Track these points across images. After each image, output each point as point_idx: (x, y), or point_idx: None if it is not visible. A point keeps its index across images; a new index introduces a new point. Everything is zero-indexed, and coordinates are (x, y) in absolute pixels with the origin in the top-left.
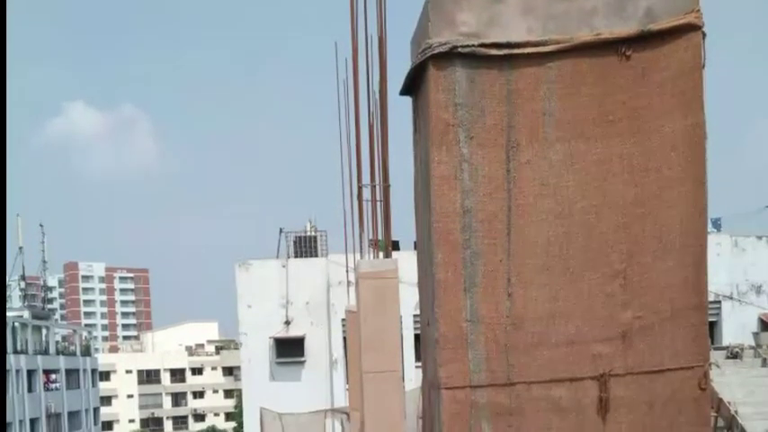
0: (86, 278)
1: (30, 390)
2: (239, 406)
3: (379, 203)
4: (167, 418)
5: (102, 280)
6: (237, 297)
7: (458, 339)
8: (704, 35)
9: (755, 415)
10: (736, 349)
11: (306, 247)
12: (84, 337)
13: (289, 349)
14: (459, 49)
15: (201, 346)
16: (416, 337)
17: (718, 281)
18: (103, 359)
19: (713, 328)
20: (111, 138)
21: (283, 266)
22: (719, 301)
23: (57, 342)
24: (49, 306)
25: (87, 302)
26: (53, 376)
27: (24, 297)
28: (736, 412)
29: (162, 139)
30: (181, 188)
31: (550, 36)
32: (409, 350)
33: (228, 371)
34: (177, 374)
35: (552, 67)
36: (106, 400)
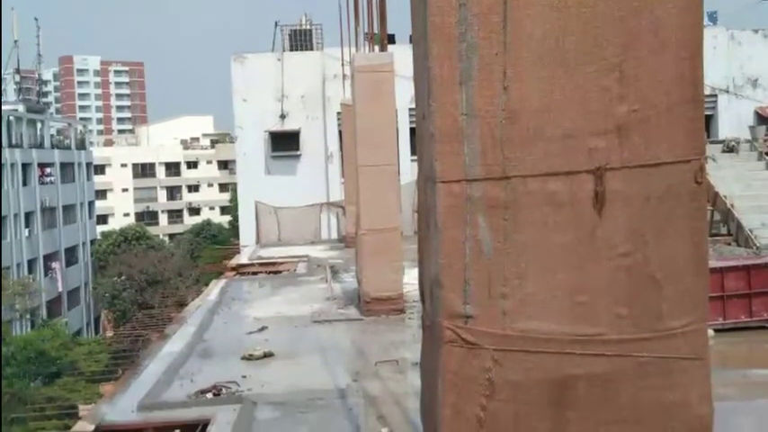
0: (81, 72)
1: (24, 183)
2: (234, 200)
3: None
4: (162, 211)
5: (97, 73)
6: (233, 91)
7: (453, 133)
8: None
9: (751, 208)
10: (732, 143)
11: (301, 40)
12: (79, 131)
13: (284, 143)
14: None
15: (197, 139)
16: (412, 130)
17: (714, 74)
18: (98, 153)
19: (709, 121)
20: None
21: (279, 60)
22: (715, 95)
23: (52, 136)
24: (44, 100)
25: (82, 96)
26: (48, 170)
27: (19, 91)
28: (731, 206)
29: None
30: None
31: None
32: (405, 144)
33: (223, 164)
34: (172, 168)
35: None
36: (101, 194)
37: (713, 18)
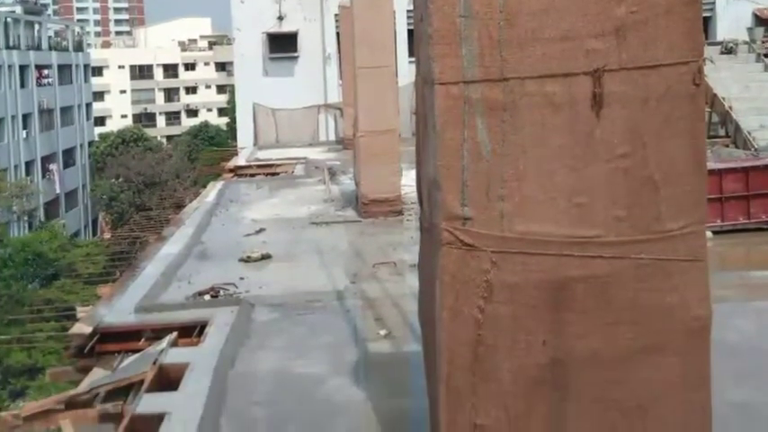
0: None
1: (22, 85)
2: (232, 101)
3: None
4: (160, 113)
5: None
6: None
7: (451, 35)
8: None
9: (750, 110)
10: (731, 44)
11: None
12: (76, 33)
13: (282, 45)
14: None
15: (194, 41)
16: (410, 32)
17: None
18: (96, 55)
19: (707, 23)
20: None
21: None
22: None
23: (49, 37)
24: (42, 1)
25: None
26: (46, 72)
27: None
28: (730, 108)
29: None
30: None
31: None
32: (403, 46)
33: (221, 66)
34: (170, 70)
35: None
36: (99, 96)
37: None
